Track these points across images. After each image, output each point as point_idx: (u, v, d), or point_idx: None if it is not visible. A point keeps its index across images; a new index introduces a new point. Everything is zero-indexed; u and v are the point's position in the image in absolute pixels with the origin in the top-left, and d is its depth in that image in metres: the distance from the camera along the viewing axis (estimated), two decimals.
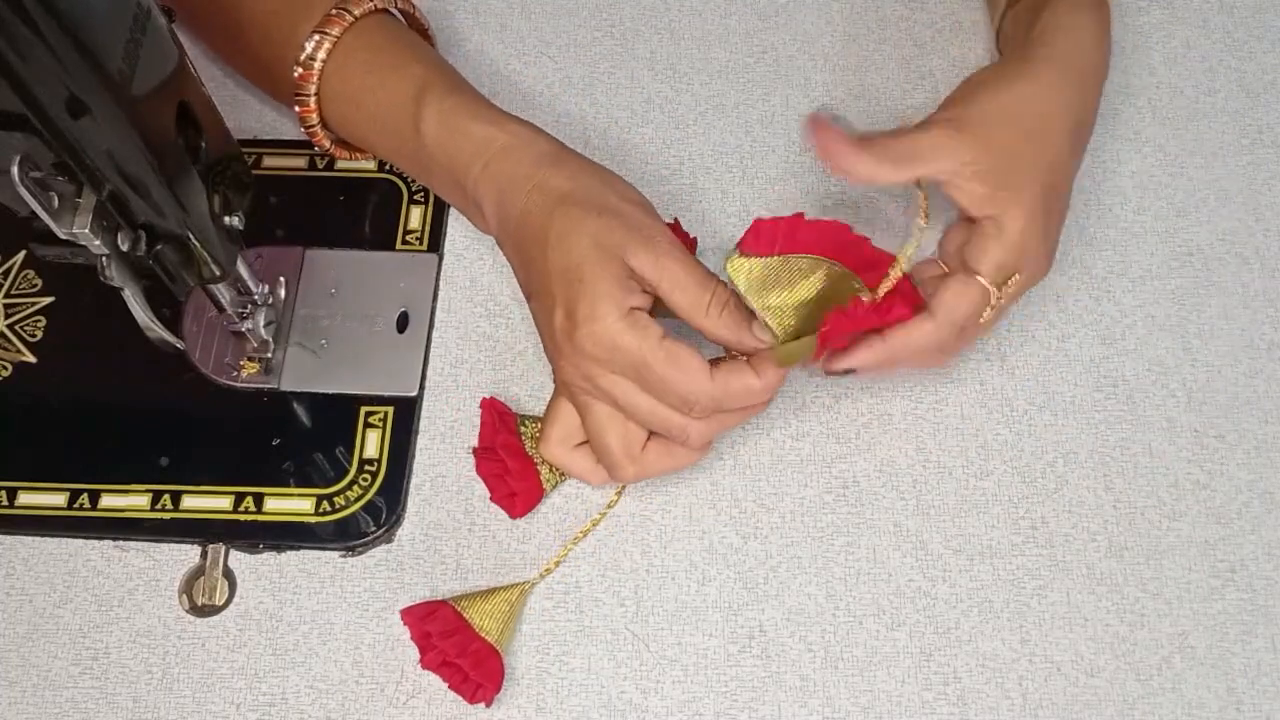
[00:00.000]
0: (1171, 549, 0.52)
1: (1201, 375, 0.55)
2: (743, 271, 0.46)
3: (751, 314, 0.47)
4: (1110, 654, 0.50)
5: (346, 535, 0.52)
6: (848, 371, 0.49)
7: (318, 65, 0.52)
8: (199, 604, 0.52)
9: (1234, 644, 0.50)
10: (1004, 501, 0.53)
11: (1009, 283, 0.48)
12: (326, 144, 0.55)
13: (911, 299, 0.48)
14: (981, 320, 0.49)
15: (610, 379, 0.47)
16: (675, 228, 0.56)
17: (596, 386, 0.47)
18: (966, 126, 0.48)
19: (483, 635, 0.49)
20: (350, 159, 0.58)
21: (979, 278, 0.48)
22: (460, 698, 0.49)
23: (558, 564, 0.52)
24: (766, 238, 0.46)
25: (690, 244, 0.57)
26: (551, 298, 0.47)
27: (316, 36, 0.51)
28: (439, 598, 0.51)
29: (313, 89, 0.52)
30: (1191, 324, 0.56)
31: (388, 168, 0.59)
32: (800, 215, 0.47)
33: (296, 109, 0.53)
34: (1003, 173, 0.48)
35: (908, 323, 0.48)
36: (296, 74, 0.52)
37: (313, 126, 0.54)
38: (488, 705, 0.49)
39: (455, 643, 0.48)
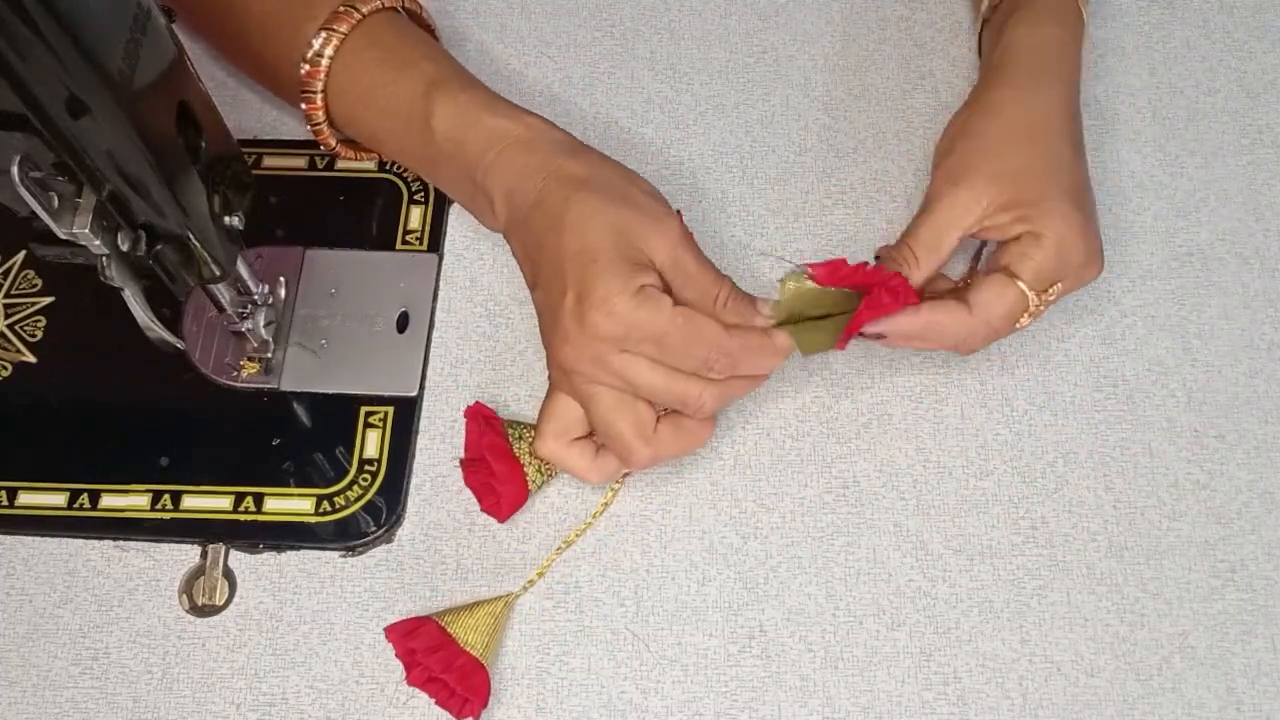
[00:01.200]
0: (1171, 549, 0.52)
1: (1201, 375, 0.55)
2: (792, 289, 0.49)
3: (754, 299, 0.50)
4: (1110, 654, 0.50)
5: (346, 535, 0.52)
6: (879, 336, 0.50)
7: (325, 62, 0.52)
8: (199, 604, 0.52)
9: (1234, 644, 0.50)
10: (1004, 501, 0.53)
11: (1050, 290, 0.50)
12: (332, 142, 0.55)
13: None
14: (1018, 325, 0.51)
15: (623, 359, 0.47)
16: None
17: (607, 369, 0.47)
18: (968, 173, 0.50)
19: (467, 650, 0.48)
20: (356, 159, 0.58)
21: (1019, 282, 0.49)
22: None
23: (541, 575, 0.51)
24: (834, 275, 0.49)
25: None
26: (562, 281, 0.47)
27: (324, 33, 0.51)
28: (436, 601, 0.51)
29: (319, 86, 0.52)
30: (1191, 324, 0.56)
31: (388, 167, 0.59)
32: (865, 264, 0.49)
33: (303, 106, 0.53)
34: (1023, 192, 0.50)
35: (946, 306, 0.50)
36: (303, 71, 0.52)
37: (319, 124, 0.54)
38: (478, 710, 0.49)
39: (440, 658, 0.48)
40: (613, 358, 0.47)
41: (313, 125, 0.54)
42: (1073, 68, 0.53)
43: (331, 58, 0.52)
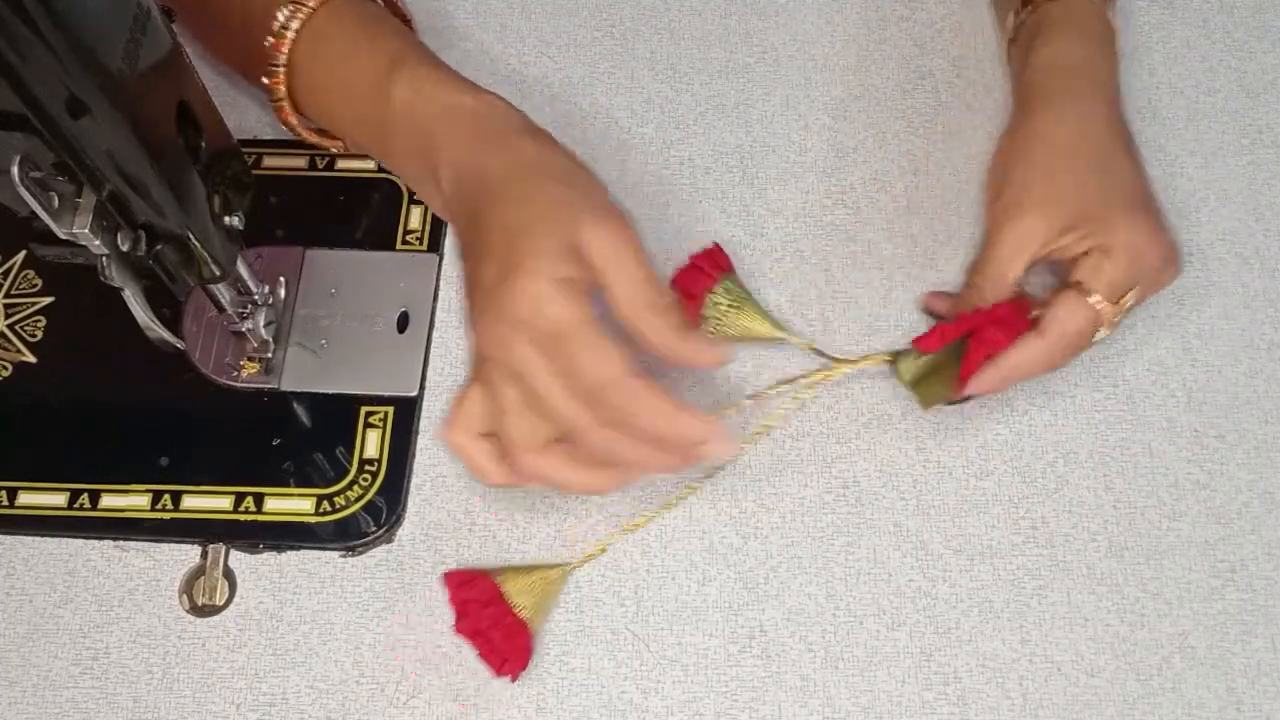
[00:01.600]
0: (1171, 549, 0.52)
1: (1201, 375, 0.55)
2: (909, 368, 0.50)
3: (697, 326, 0.50)
4: (1110, 654, 0.50)
5: (347, 535, 0.52)
6: (966, 398, 0.51)
7: (290, 35, 0.51)
8: (199, 604, 0.52)
9: (1234, 644, 0.50)
10: (1004, 501, 0.53)
11: (1125, 298, 0.50)
12: (293, 120, 0.54)
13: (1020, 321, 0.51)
14: (1096, 338, 0.50)
15: (524, 350, 0.43)
16: (716, 251, 0.56)
17: (510, 356, 0.44)
18: (1023, 204, 0.50)
19: (517, 611, 0.49)
20: (315, 141, 0.56)
21: (1092, 298, 0.49)
22: (466, 692, 0.49)
23: (602, 551, 0.52)
24: (941, 339, 0.49)
25: (727, 265, 0.56)
26: (489, 253, 0.45)
27: (291, 7, 0.51)
28: (437, 600, 0.51)
29: (283, 59, 0.51)
30: (1191, 324, 0.56)
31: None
32: (964, 315, 0.50)
33: (265, 80, 0.52)
34: (1083, 211, 0.49)
35: (1018, 344, 0.50)
36: (268, 43, 0.51)
37: (280, 100, 0.53)
38: (513, 679, 0.49)
39: (490, 614, 0.49)
40: (517, 345, 0.43)
41: (274, 100, 0.53)
42: (1105, 82, 0.53)
43: (297, 31, 0.51)
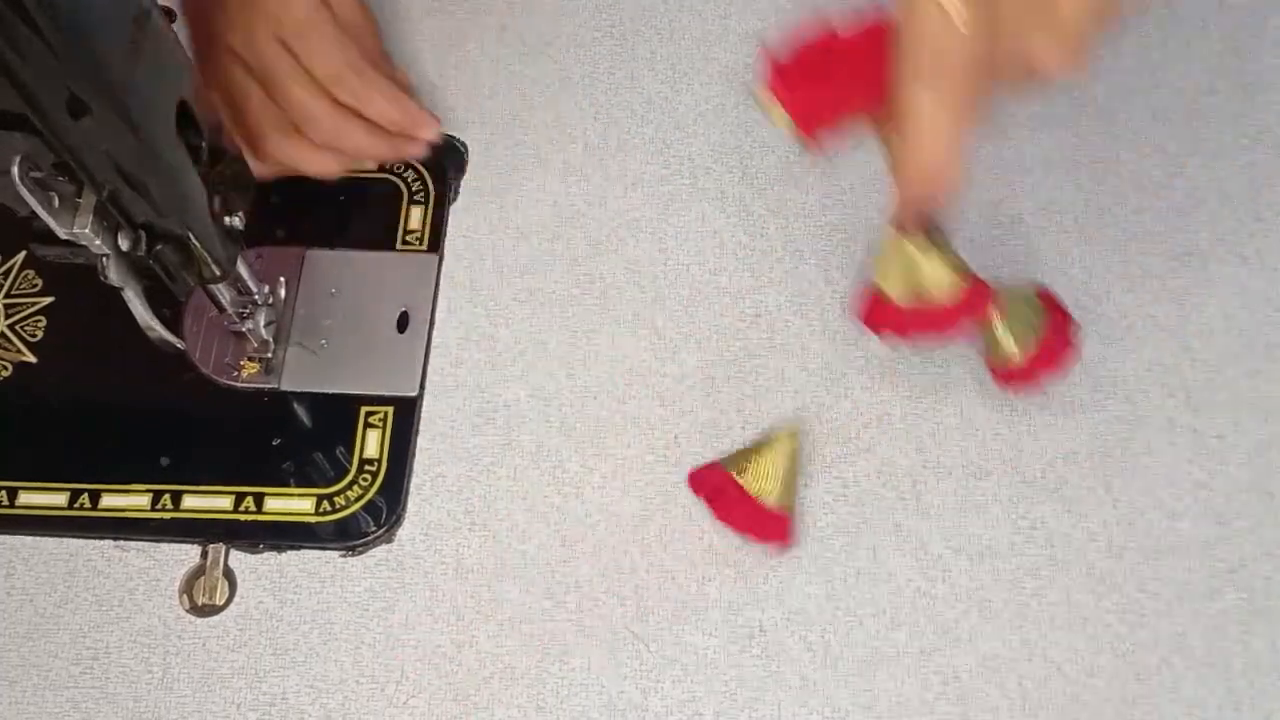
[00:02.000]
0: (1171, 549, 0.52)
1: (1202, 375, 0.55)
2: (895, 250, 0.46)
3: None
4: (1110, 654, 0.50)
5: (347, 535, 0.52)
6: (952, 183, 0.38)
7: None
8: (199, 604, 0.52)
9: (1234, 644, 0.50)
10: (1004, 501, 0.53)
11: None
12: None
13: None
14: (955, 15, 0.35)
15: (270, 46, 0.52)
16: (978, 283, 0.49)
17: (259, 52, 0.52)
18: None
19: (758, 497, 0.50)
20: None
21: None
22: (466, 692, 0.49)
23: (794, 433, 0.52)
24: (775, 76, 0.41)
25: (989, 295, 0.50)
26: None
27: None
28: (436, 600, 0.51)
29: None
30: (1192, 324, 0.56)
31: (388, 167, 0.59)
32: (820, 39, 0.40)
33: None
34: None
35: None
36: None
37: None
38: (787, 546, 0.51)
39: (727, 500, 0.51)
40: (264, 41, 0.51)
41: None
42: None
43: None
